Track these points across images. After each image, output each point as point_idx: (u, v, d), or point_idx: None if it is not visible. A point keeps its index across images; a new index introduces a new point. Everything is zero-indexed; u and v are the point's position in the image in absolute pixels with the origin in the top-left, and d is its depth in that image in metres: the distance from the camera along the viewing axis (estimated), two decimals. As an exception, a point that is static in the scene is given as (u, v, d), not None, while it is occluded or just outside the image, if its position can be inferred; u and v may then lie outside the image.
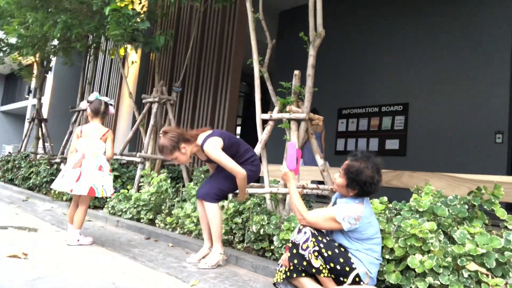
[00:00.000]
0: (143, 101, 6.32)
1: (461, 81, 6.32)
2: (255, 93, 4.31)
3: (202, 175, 5.12)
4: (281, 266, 2.37)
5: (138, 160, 5.76)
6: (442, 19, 6.68)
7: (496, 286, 2.06)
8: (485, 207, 2.70)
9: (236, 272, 2.97)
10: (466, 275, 2.13)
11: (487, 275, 2.11)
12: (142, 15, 5.87)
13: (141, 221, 4.61)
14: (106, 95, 10.48)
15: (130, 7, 5.46)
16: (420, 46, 6.90)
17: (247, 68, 4.36)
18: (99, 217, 5.06)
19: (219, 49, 7.45)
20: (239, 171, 2.93)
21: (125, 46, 6.52)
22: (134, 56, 8.78)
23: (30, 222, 4.41)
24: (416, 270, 2.22)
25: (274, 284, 2.39)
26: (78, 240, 3.42)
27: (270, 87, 4.33)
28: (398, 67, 7.13)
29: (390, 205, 3.06)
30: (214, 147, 2.94)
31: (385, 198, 3.03)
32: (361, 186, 2.22)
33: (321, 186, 3.64)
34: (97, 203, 5.66)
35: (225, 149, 3.00)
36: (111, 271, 2.69)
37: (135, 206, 4.75)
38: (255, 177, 3.25)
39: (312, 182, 4.70)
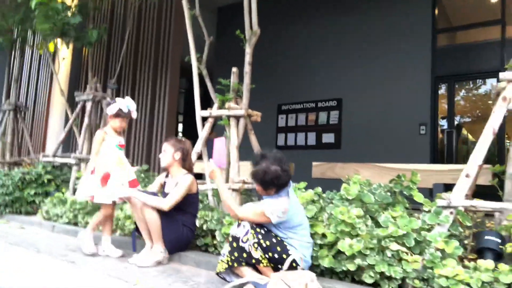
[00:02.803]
0: (76, 99, 6.05)
1: (388, 77, 6.80)
2: (194, 90, 4.32)
3: (142, 174, 5.04)
4: (223, 256, 2.45)
5: (73, 161, 5.52)
6: (371, 18, 7.12)
7: (415, 262, 2.30)
8: (405, 192, 2.99)
9: (179, 269, 3.00)
10: (389, 254, 2.36)
11: (407, 253, 2.35)
12: (73, 9, 5.59)
13: (79, 225, 4.43)
14: (35, 93, 9.81)
15: (59, 0, 5.18)
16: (352, 44, 7.30)
17: (188, 63, 4.36)
18: (33, 223, 4.78)
19: (156, 44, 7.31)
20: (163, 207, 2.99)
21: (55, 40, 6.16)
22: (65, 52, 8.31)
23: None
24: (346, 253, 2.41)
25: (217, 274, 2.46)
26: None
27: (209, 84, 4.37)
28: (333, 64, 7.49)
29: (324, 195, 3.26)
30: (185, 185, 3.08)
31: (319, 189, 3.23)
32: (274, 184, 2.35)
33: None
34: (29, 209, 5.34)
35: (189, 199, 3.17)
36: (47, 277, 2.59)
37: (72, 210, 4.55)
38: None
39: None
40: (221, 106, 4.04)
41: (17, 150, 7.51)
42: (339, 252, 2.49)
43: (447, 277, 2.16)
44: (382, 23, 7.02)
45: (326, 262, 2.48)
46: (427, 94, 6.49)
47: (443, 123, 6.77)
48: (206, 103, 4.33)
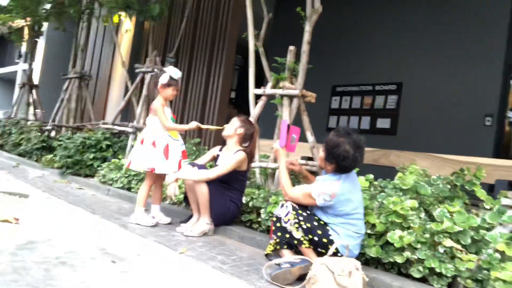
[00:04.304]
0: (136, 70, 6.26)
1: (455, 63, 6.31)
2: (249, 67, 4.29)
3: (194, 148, 5.16)
4: (272, 239, 2.48)
5: (130, 130, 5.77)
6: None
7: (469, 261, 2.16)
8: (467, 187, 2.79)
9: (224, 241, 3.06)
10: (441, 250, 2.23)
11: (462, 251, 2.21)
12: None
13: (132, 190, 4.67)
14: (99, 63, 10.32)
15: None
16: (415, 27, 6.84)
17: (243, 41, 4.33)
18: (90, 186, 5.11)
19: (214, 20, 7.33)
20: (210, 176, 3.04)
21: (119, 13, 6.38)
22: (128, 24, 8.61)
23: (21, 188, 4.45)
24: (395, 244, 2.31)
25: (266, 255, 2.50)
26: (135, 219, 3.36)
27: (264, 62, 4.32)
28: (394, 47, 7.08)
29: (376, 183, 3.15)
30: (236, 160, 3.14)
31: (371, 176, 3.11)
32: (337, 160, 2.30)
33: (310, 162, 3.70)
34: (88, 171, 5.70)
35: (238, 176, 3.24)
36: (101, 237, 2.76)
37: (126, 175, 4.80)
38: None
39: (302, 158, 4.77)
40: (275, 85, 3.98)
41: (80, 116, 8.01)
42: (387, 243, 2.40)
43: (504, 281, 2.01)
44: (454, 4, 6.48)
45: (373, 252, 2.41)
46: (497, 83, 5.96)
47: (512, 115, 6.23)
48: (260, 81, 4.30)
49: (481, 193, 2.63)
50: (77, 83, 7.82)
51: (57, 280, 1.86)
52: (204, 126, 3.49)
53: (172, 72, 3.40)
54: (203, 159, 3.43)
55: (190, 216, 3.29)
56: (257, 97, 4.15)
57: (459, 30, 6.36)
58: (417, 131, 6.50)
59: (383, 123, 7.09)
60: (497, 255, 2.13)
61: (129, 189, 4.73)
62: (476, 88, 6.08)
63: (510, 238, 2.23)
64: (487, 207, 2.55)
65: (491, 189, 4.24)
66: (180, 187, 3.94)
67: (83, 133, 6.46)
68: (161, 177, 3.45)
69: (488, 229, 2.32)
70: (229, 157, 3.18)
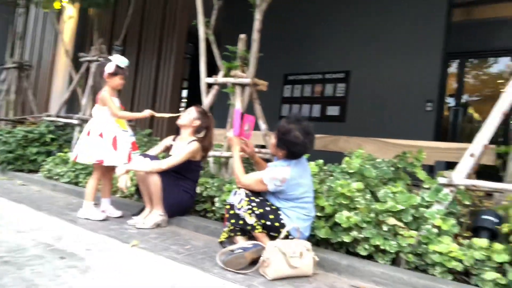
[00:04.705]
0: (81, 59, 5.97)
1: (398, 51, 6.62)
2: (200, 56, 4.24)
3: (145, 139, 5.05)
4: (226, 227, 2.51)
5: (76, 122, 5.52)
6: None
7: (410, 237, 2.32)
8: (408, 169, 2.98)
9: (178, 232, 3.05)
10: (385, 228, 2.38)
11: (403, 228, 2.36)
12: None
13: (80, 184, 4.49)
14: (40, 52, 9.69)
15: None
16: (361, 17, 7.08)
17: (195, 28, 4.25)
18: (34, 181, 4.85)
19: (163, 7, 7.14)
20: (162, 166, 3.01)
21: (60, -1, 6.03)
22: (71, 11, 8.14)
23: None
24: (343, 225, 2.42)
25: (220, 243, 2.52)
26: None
27: (215, 51, 4.28)
28: (342, 37, 7.29)
29: (325, 167, 3.26)
30: (189, 150, 3.10)
31: (321, 161, 3.22)
32: (288, 146, 2.36)
33: (263, 150, 3.75)
34: (31, 167, 5.40)
35: (192, 166, 3.22)
36: (48, 234, 2.64)
37: (73, 169, 4.60)
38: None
39: (256, 146, 4.83)
40: (227, 74, 3.97)
41: (20, 109, 7.52)
42: (336, 224, 2.51)
43: (440, 253, 2.18)
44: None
45: (322, 233, 2.51)
46: (436, 70, 6.35)
47: (450, 100, 6.67)
48: (213, 70, 4.26)
49: (421, 174, 2.82)
50: (16, 74, 7.32)
51: (0, 279, 1.77)
52: (158, 115, 3.42)
53: (119, 60, 3.28)
54: (155, 150, 3.37)
55: (143, 209, 3.24)
56: (210, 86, 4.12)
57: (401, 20, 6.68)
58: (364, 118, 6.78)
59: (333, 110, 7.33)
60: (435, 230, 2.30)
61: (76, 183, 4.54)
62: (418, 76, 6.43)
63: (446, 214, 2.42)
64: (427, 186, 2.73)
65: (431, 170, 4.55)
66: (132, 179, 3.85)
67: (25, 126, 6.08)
68: (111, 169, 3.34)
69: (427, 207, 2.49)
70: (183, 148, 3.15)
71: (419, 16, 6.49)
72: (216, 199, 3.19)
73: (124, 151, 3.22)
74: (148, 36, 7.25)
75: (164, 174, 3.03)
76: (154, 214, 3.08)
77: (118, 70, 3.26)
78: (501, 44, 6.19)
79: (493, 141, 3.35)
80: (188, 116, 3.28)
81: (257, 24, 3.83)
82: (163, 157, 3.25)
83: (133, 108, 7.20)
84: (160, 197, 3.04)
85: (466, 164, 2.53)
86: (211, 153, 3.90)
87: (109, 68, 3.25)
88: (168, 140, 3.41)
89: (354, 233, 2.40)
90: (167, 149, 3.36)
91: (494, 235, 2.37)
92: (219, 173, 3.83)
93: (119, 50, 6.23)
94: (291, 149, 2.39)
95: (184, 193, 3.17)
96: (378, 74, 6.82)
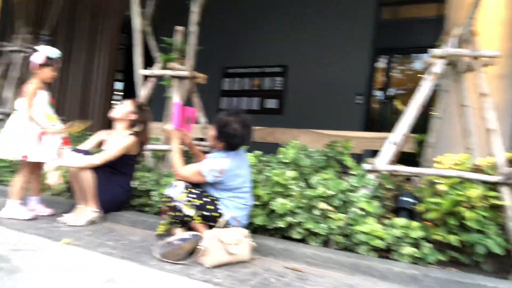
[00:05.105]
0: (1, 49, 5.52)
1: (331, 46, 6.95)
2: (135, 47, 4.13)
3: (76, 133, 4.81)
4: (163, 220, 2.51)
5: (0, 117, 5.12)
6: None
7: (339, 220, 2.50)
8: (338, 157, 3.17)
9: (113, 228, 2.98)
10: (317, 213, 2.53)
11: (333, 212, 2.53)
12: None
13: (4, 183, 4.18)
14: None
15: None
16: (297, 11, 7.31)
17: (130, 18, 4.12)
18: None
19: (95, -5, 6.80)
20: (95, 161, 2.94)
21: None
22: (-12, -5, 7.44)
23: None
24: (278, 211, 2.54)
25: (158, 235, 2.51)
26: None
27: (152, 42, 4.20)
28: (279, 30, 7.47)
29: (263, 158, 3.36)
30: (124, 144, 3.03)
31: (259, 152, 3.32)
32: (226, 138, 2.42)
33: (202, 143, 3.77)
34: None
35: (127, 161, 3.15)
36: (-33, 236, 2.46)
37: (-3, 167, 4.27)
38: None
39: (195, 139, 4.83)
40: (164, 66, 3.93)
41: None
42: (272, 211, 2.62)
43: (366, 233, 2.38)
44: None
45: (259, 220, 2.61)
46: (365, 65, 6.76)
47: (379, 93, 7.15)
48: (149, 62, 4.18)
49: (349, 161, 3.02)
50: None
51: None
52: (68, 129, 3.19)
53: (49, 51, 3.10)
54: (88, 144, 3.24)
55: (75, 206, 3.11)
56: (146, 78, 4.04)
57: (333, 17, 7.00)
58: (300, 110, 7.04)
59: (271, 103, 7.52)
60: (361, 212, 2.50)
61: (0, 181, 4.22)
62: (349, 70, 6.80)
63: (371, 197, 2.64)
64: (354, 173, 2.93)
65: (360, 158, 4.86)
66: (64, 176, 3.67)
67: None
68: (38, 165, 3.16)
69: (354, 192, 2.68)
70: (117, 142, 3.07)
71: (350, 14, 6.85)
72: (153, 193, 3.17)
73: (51, 146, 3.05)
74: (79, 25, 6.86)
75: (98, 169, 2.94)
76: (88, 210, 2.98)
77: (49, 61, 3.08)
78: (423, 42, 6.72)
79: (416, 130, 3.70)
80: (123, 109, 3.20)
81: (194, 17, 3.82)
82: (97, 152, 3.15)
83: (65, 101, 6.80)
84: (94, 193, 2.95)
85: (388, 151, 2.76)
86: (148, 146, 3.85)
87: (38, 59, 3.06)
88: (101, 134, 3.30)
89: (289, 219, 2.53)
90: (101, 143, 3.25)
91: (412, 215, 2.63)
92: (157, 166, 3.79)
93: (47, 40, 5.85)
94: (230, 141, 2.44)
95: (119, 188, 3.10)
96: (313, 68, 7.10)
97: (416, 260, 2.31)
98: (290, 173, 2.72)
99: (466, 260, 2.37)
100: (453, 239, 2.33)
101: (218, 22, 7.66)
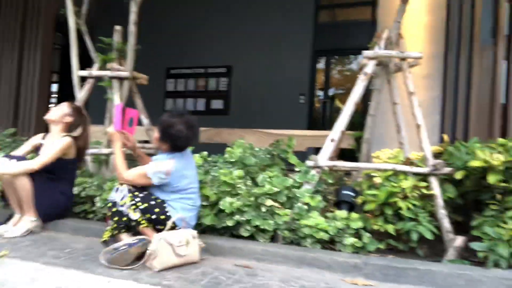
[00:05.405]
0: None
1: (273, 48, 7.14)
2: (71, 47, 3.95)
3: (8, 139, 4.51)
4: (108, 226, 2.44)
5: None
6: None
7: (285, 215, 2.59)
8: (282, 155, 3.28)
9: (55, 237, 2.84)
10: (264, 210, 2.61)
11: (279, 208, 2.62)
12: None
13: None
14: None
15: None
16: (240, 14, 7.41)
17: (65, 17, 3.93)
18: None
19: (24, -8, 6.38)
20: (33, 166, 2.78)
21: None
22: None
23: None
24: (226, 211, 2.58)
25: (104, 242, 2.43)
26: None
27: (88, 42, 4.03)
28: (222, 31, 7.52)
29: (210, 159, 3.39)
30: (60, 146, 2.90)
31: (205, 153, 3.34)
32: (171, 140, 2.42)
33: (146, 145, 3.71)
34: None
35: (66, 165, 3.02)
36: None
37: None
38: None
39: (139, 141, 4.72)
40: (103, 67, 3.80)
41: None
42: (220, 210, 2.65)
43: (310, 227, 2.49)
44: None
45: (208, 220, 2.63)
46: (307, 66, 7.03)
47: (320, 93, 7.45)
48: (87, 62, 4.01)
49: (293, 159, 3.14)
50: None
51: None
52: None
53: None
54: (22, 149, 3.05)
55: (11, 216, 2.92)
56: (84, 79, 3.88)
57: (274, 19, 7.19)
58: (246, 110, 7.15)
59: (217, 104, 7.55)
60: (305, 207, 2.62)
61: None
62: (292, 71, 7.03)
63: (314, 192, 2.77)
64: (298, 169, 3.05)
65: (304, 156, 5.05)
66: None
67: None
68: None
69: (298, 187, 2.80)
70: (53, 144, 2.91)
71: (290, 16, 7.08)
72: (97, 199, 3.06)
73: None
74: (8, 23, 6.39)
75: (35, 175, 2.78)
76: (25, 220, 2.81)
77: None
78: (359, 44, 7.10)
79: (355, 127, 3.92)
80: (58, 111, 3.05)
81: (133, 17, 3.73)
82: (32, 158, 2.98)
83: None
84: (32, 201, 2.79)
85: (328, 148, 2.91)
86: (89, 151, 3.70)
87: None
88: (36, 139, 3.12)
89: (237, 217, 2.58)
90: (36, 148, 3.08)
91: (352, 207, 2.80)
92: (99, 171, 3.66)
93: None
94: (175, 143, 2.44)
95: (60, 194, 2.96)
96: (257, 69, 7.23)
97: (358, 250, 2.46)
98: (237, 172, 2.77)
99: (402, 247, 2.57)
100: (390, 228, 2.52)
101: (160, 22, 7.54)
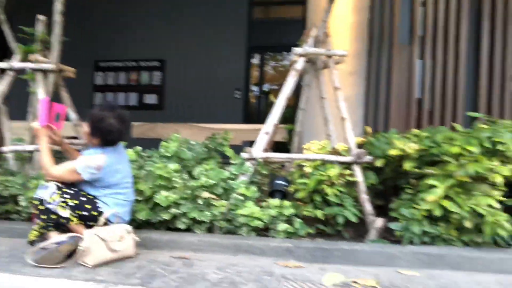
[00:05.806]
0: None
1: (208, 44, 7.13)
2: (-13, 36, 3.63)
3: None
4: (35, 225, 2.32)
5: None
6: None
7: (222, 206, 2.65)
8: (219, 149, 3.34)
9: (-27, 241, 2.63)
10: (201, 202, 2.65)
11: (215, 199, 2.68)
12: None
13: None
14: None
15: None
16: (174, 7, 7.28)
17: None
18: None
19: None
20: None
21: None
22: None
23: None
24: (162, 204, 2.58)
25: (31, 242, 2.31)
26: None
27: (7, 32, 3.73)
28: (155, 24, 7.34)
29: (144, 154, 3.33)
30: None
31: (139, 148, 3.28)
32: (102, 134, 2.36)
33: (75, 141, 3.54)
34: None
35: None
36: None
37: None
38: None
39: (67, 137, 4.47)
40: (25, 58, 3.55)
41: None
42: (156, 204, 2.64)
43: (246, 216, 2.58)
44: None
45: (142, 215, 2.61)
46: (242, 62, 7.13)
47: (255, 88, 7.61)
48: (5, 53, 3.71)
49: (229, 152, 3.20)
50: None
51: None
52: None
53: None
54: None
55: None
56: (3, 72, 3.59)
57: (209, 14, 7.19)
58: (181, 105, 7.08)
59: (151, 98, 7.37)
60: (241, 198, 2.70)
61: None
62: (227, 67, 7.09)
63: (249, 183, 2.86)
64: (234, 162, 3.13)
65: (240, 149, 5.16)
66: None
67: None
68: None
69: (234, 179, 2.87)
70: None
71: (224, 12, 7.12)
72: (21, 198, 2.88)
73: None
74: None
75: None
76: None
77: None
78: (291, 41, 7.36)
79: (288, 121, 4.09)
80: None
81: (58, 6, 3.53)
82: None
83: None
84: None
85: (262, 140, 3.02)
86: (10, 148, 3.45)
87: None
88: None
89: (173, 210, 2.59)
90: None
91: (285, 195, 2.94)
92: (22, 169, 3.43)
93: None
94: (106, 137, 2.37)
95: None
96: (192, 64, 7.19)
97: (290, 235, 2.61)
98: (173, 166, 2.77)
99: (330, 230, 2.76)
100: (318, 213, 2.70)
101: (86, 11, 7.16)
